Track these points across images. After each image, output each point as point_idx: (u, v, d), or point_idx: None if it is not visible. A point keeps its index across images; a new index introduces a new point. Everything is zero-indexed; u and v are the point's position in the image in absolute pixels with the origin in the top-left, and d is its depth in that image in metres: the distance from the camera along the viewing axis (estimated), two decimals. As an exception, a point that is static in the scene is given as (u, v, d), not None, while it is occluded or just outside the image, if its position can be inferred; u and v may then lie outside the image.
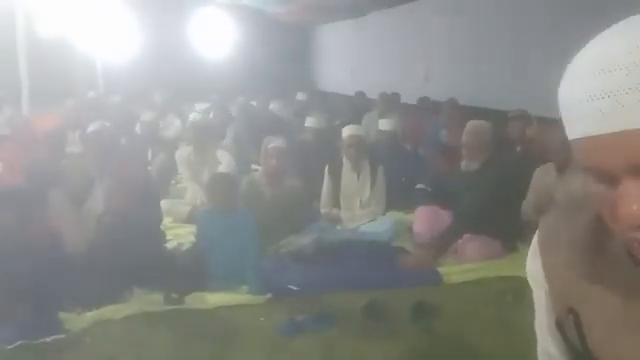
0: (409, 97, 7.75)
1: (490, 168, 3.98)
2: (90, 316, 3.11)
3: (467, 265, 3.85)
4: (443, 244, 3.92)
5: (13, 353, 2.78)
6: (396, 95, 7.62)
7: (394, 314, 3.13)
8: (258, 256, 3.61)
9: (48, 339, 2.88)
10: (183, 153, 5.42)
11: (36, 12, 7.43)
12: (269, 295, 3.41)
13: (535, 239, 0.83)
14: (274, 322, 3.10)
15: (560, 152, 3.62)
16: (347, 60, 11.88)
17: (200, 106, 8.67)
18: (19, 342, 2.83)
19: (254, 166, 5.89)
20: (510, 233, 3.93)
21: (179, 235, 4.46)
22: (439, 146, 5.78)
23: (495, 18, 6.97)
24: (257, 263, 3.55)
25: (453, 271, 3.77)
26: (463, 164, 4.15)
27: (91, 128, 4.76)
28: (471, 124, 4.14)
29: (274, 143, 4.52)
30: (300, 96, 8.91)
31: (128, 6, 9.55)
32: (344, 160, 4.66)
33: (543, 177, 3.97)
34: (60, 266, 3.33)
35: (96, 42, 9.40)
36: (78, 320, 3.07)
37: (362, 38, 11.03)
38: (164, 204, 4.61)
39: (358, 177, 4.62)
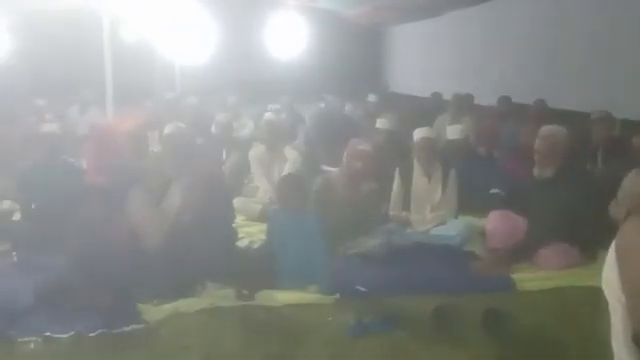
0: (485, 98, 7.56)
1: (565, 176, 3.81)
2: (166, 308, 3.24)
3: (542, 272, 3.73)
4: (519, 254, 3.80)
5: (95, 340, 2.95)
6: (470, 96, 7.45)
7: (464, 320, 3.07)
8: (327, 256, 3.63)
9: (127, 328, 3.04)
10: (256, 152, 5.55)
11: (121, 17, 7.80)
12: (337, 295, 3.43)
13: (612, 247, 0.80)
14: (342, 322, 3.11)
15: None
16: (421, 61, 11.73)
17: (272, 107, 8.82)
18: (100, 330, 3.00)
19: (324, 167, 5.93)
20: (590, 241, 3.75)
21: (251, 233, 4.57)
22: (515, 149, 5.60)
23: (575, 16, 6.69)
24: (326, 263, 3.58)
25: (527, 278, 3.66)
26: (535, 171, 3.99)
27: (167, 129, 4.94)
28: (545, 129, 3.98)
29: (362, 146, 4.48)
30: (372, 98, 8.90)
31: (205, 10, 9.85)
32: (415, 163, 4.60)
33: (636, 180, 3.76)
34: (139, 260, 3.50)
35: (174, 45, 9.75)
36: (155, 311, 3.21)
37: (437, 38, 10.86)
38: (237, 202, 4.72)
39: (429, 180, 4.55)
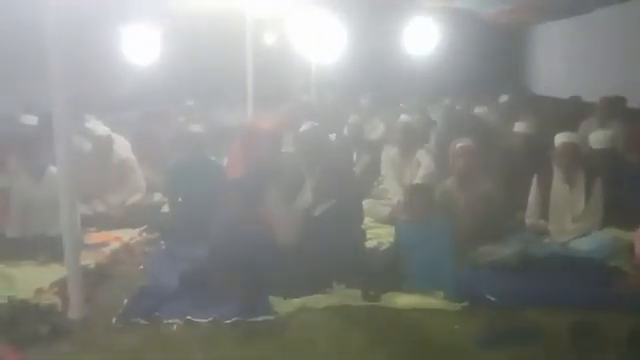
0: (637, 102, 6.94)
1: None
2: (295, 302, 3.37)
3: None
4: None
5: (230, 327, 3.14)
6: (621, 99, 6.85)
7: (606, 339, 2.85)
8: (455, 263, 3.56)
9: (259, 318, 3.20)
10: (388, 153, 5.56)
11: (263, 21, 8.19)
12: (465, 303, 3.34)
13: None
14: (469, 331, 3.04)
15: None
16: (566, 61, 11.03)
17: (402, 108, 8.76)
18: (235, 318, 3.19)
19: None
20: None
21: (379, 235, 4.58)
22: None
23: None
24: (453, 270, 3.51)
25: (681, 299, 3.32)
26: None
27: (303, 127, 5.11)
28: None
29: (462, 143, 4.48)
30: (503, 98, 8.53)
31: (340, 13, 10.02)
32: (555, 169, 4.35)
33: None
34: (272, 254, 3.66)
35: (311, 47, 10.01)
36: (285, 305, 3.34)
37: (584, 37, 10.16)
38: (366, 204, 4.76)
39: (571, 189, 4.27)
